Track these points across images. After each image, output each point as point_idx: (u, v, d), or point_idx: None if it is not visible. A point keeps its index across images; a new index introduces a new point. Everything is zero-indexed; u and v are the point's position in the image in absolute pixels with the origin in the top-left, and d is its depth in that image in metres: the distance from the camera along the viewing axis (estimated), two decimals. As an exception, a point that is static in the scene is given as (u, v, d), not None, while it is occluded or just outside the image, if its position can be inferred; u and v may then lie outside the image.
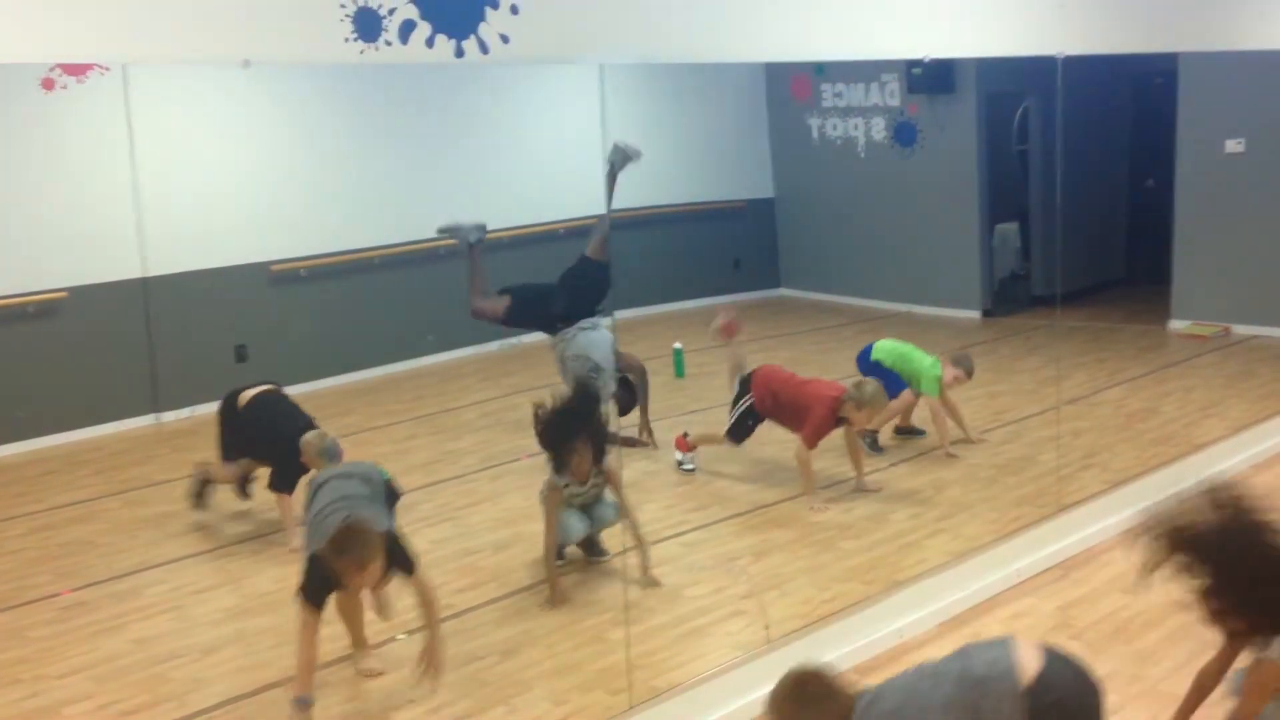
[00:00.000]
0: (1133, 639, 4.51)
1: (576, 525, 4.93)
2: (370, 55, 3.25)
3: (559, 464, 4.72)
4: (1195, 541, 2.75)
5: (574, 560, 5.13)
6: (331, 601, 4.01)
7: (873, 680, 2.82)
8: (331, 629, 4.54)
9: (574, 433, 4.66)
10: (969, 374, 6.34)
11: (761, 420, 6.01)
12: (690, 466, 6.23)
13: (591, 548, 5.08)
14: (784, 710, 2.75)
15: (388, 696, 4.09)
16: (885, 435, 6.61)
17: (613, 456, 4.74)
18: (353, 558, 3.69)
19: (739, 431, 6.05)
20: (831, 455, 6.23)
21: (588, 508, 4.95)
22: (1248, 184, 9.01)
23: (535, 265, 7.40)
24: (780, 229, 11.48)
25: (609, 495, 4.90)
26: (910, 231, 10.37)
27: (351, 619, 4.28)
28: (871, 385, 5.73)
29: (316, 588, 3.83)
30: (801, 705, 2.72)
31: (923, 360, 6.39)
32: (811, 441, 5.74)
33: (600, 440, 4.72)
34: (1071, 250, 9.56)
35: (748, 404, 6.00)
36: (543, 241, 7.75)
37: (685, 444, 6.30)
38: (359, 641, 4.32)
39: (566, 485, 4.80)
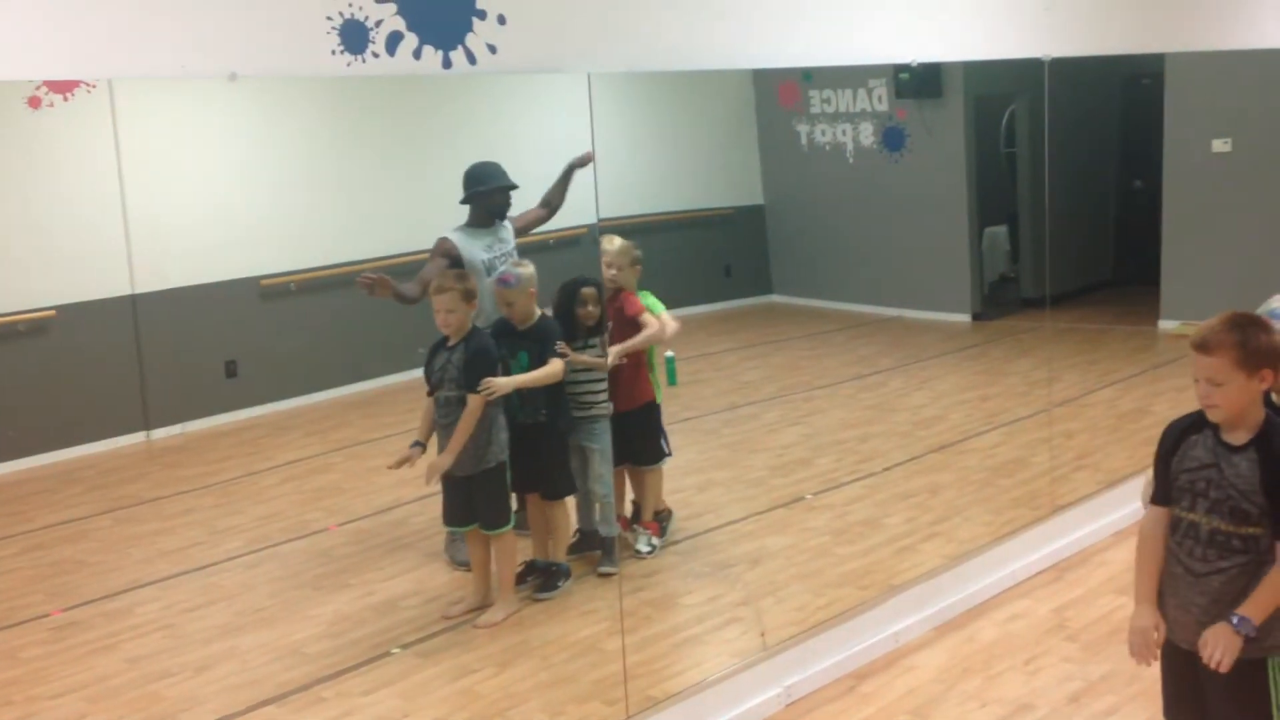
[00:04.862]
0: (1129, 640, 4.50)
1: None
2: (357, 67, 3.24)
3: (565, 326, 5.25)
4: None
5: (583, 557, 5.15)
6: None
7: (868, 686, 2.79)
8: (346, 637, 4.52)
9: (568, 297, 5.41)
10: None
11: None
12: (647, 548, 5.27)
13: (605, 554, 5.05)
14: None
15: (386, 712, 4.07)
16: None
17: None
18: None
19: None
20: (833, 452, 6.22)
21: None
22: (1235, 183, 9.02)
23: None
24: (770, 235, 11.48)
25: (600, 465, 5.01)
26: (900, 236, 10.39)
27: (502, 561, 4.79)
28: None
29: None
30: None
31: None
32: None
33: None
34: (1060, 252, 9.58)
35: None
36: (533, 252, 7.71)
37: (651, 525, 5.35)
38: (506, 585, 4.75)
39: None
